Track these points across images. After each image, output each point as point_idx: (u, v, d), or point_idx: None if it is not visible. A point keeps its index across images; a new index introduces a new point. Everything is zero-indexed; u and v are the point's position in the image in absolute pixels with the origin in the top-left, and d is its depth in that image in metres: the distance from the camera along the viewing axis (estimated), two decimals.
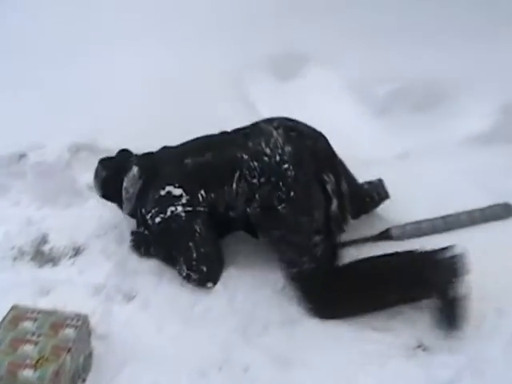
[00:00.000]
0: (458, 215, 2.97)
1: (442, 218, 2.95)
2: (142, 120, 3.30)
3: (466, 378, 2.28)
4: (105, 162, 2.92)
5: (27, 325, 2.23)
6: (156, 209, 2.68)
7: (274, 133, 2.68)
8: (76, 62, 3.69)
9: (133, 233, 2.88)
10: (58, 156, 3.21)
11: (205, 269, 2.64)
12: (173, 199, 2.65)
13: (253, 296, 2.62)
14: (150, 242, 2.82)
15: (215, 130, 2.84)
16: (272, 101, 3.22)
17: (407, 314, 2.51)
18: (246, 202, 2.61)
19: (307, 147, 2.68)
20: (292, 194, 2.55)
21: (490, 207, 3.02)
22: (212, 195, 2.64)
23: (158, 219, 2.67)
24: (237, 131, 2.81)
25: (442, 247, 2.51)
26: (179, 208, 2.63)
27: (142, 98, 3.49)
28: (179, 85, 3.62)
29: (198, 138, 2.83)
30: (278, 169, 2.58)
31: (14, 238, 2.87)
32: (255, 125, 2.79)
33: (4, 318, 2.24)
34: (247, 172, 2.61)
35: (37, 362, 2.09)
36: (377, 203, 3.00)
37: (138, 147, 2.96)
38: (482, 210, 3.00)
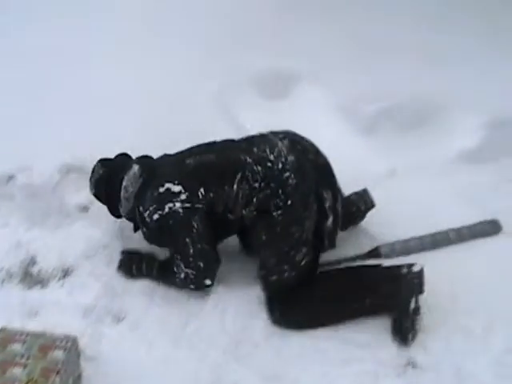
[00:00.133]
0: (446, 232, 2.98)
1: (431, 235, 2.97)
2: (131, 141, 3.29)
3: None
4: (104, 162, 2.92)
5: (16, 347, 2.22)
6: (154, 206, 2.66)
7: (279, 143, 2.72)
8: (65, 84, 3.70)
9: (123, 252, 2.87)
10: (47, 177, 3.20)
11: (202, 265, 2.63)
12: (171, 196, 2.64)
13: (242, 315, 2.62)
14: (141, 259, 2.81)
15: None
16: (261, 119, 3.23)
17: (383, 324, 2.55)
18: (244, 203, 2.63)
19: (310, 161, 2.72)
20: (289, 202, 2.58)
21: (478, 224, 3.04)
22: (211, 194, 2.63)
23: (155, 216, 2.65)
24: (242, 139, 2.84)
25: (407, 264, 2.60)
26: (177, 204, 2.62)
27: (130, 120, 3.50)
28: (169, 104, 3.63)
29: (200, 144, 2.84)
30: (279, 176, 2.62)
31: (3, 260, 2.85)
32: (261, 135, 2.83)
33: None
34: (250, 175, 2.63)
35: None
36: (364, 213, 3.03)
37: None
38: (470, 227, 3.02)
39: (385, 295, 2.56)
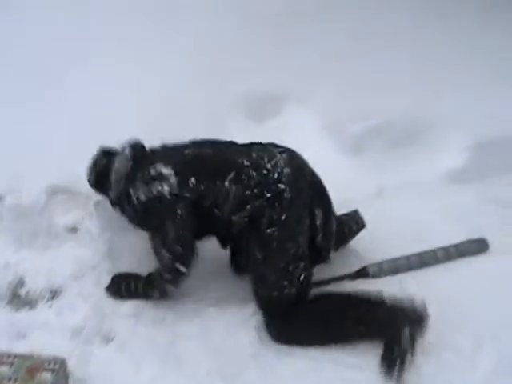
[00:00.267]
0: (434, 251, 3.00)
1: (419, 254, 2.98)
2: None
3: None
4: (106, 151, 2.93)
5: (3, 369, 2.21)
6: (143, 187, 2.66)
7: (278, 155, 2.73)
8: (52, 104, 3.70)
9: (113, 279, 2.85)
10: (35, 198, 3.20)
11: (180, 250, 2.62)
12: (161, 179, 2.63)
13: (231, 335, 2.62)
14: (129, 279, 2.80)
15: None
16: (249, 140, 3.25)
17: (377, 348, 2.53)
18: (235, 206, 2.61)
19: (305, 177, 2.73)
20: (284, 217, 2.58)
21: (465, 243, 3.05)
22: (202, 186, 2.62)
23: (143, 197, 2.66)
24: (243, 143, 2.85)
25: (408, 297, 2.57)
26: (166, 188, 2.61)
27: (118, 140, 3.51)
28: (158, 125, 3.64)
29: (204, 139, 2.84)
30: (274, 186, 2.62)
31: None
32: (262, 144, 2.83)
33: None
34: (245, 178, 2.62)
35: None
36: (355, 233, 3.05)
37: None
38: (457, 246, 3.03)
39: (381, 325, 2.53)
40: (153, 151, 2.84)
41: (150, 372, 2.45)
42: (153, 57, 4.15)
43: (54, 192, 3.26)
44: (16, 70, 4.12)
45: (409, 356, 2.44)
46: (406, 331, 2.45)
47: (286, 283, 2.59)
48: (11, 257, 2.97)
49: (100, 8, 4.66)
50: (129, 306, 2.74)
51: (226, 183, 2.61)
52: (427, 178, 3.48)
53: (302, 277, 2.60)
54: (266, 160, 2.69)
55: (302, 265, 2.61)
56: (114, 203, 2.88)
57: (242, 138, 2.87)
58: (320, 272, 2.81)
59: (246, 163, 2.66)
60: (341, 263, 2.93)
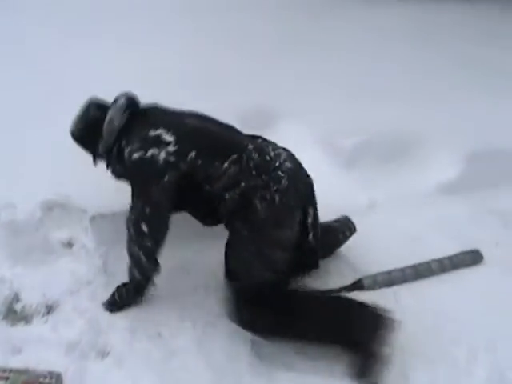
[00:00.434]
0: (428, 263, 3.01)
1: (413, 266, 3.00)
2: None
3: None
4: (99, 103, 2.86)
5: None
6: (138, 145, 2.62)
7: (281, 149, 2.76)
8: (48, 118, 3.70)
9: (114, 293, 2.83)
10: (30, 214, 3.20)
11: (156, 218, 2.63)
12: (160, 143, 2.60)
13: (227, 350, 2.62)
14: (122, 288, 2.80)
15: None
16: None
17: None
18: (229, 184, 2.60)
19: (303, 176, 2.76)
20: (277, 200, 2.57)
21: (459, 254, 3.07)
22: (200, 161, 2.59)
23: (135, 155, 2.61)
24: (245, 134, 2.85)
25: (374, 305, 2.56)
26: (162, 154, 2.58)
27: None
28: None
29: (208, 116, 2.83)
30: (273, 173, 2.62)
31: None
32: (267, 140, 2.84)
33: None
34: (245, 158, 2.62)
35: None
36: (348, 238, 3.08)
37: (113, 204, 2.98)
38: (451, 258, 3.05)
39: (350, 334, 2.54)
40: (153, 112, 2.80)
41: None
42: (149, 71, 4.17)
43: (49, 207, 3.26)
44: (13, 82, 4.15)
45: (379, 365, 2.45)
46: (376, 341, 2.46)
47: (257, 263, 2.58)
48: (7, 272, 2.96)
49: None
50: (124, 320, 2.74)
51: (226, 164, 2.60)
52: (420, 191, 3.51)
53: (278, 265, 2.59)
54: (270, 149, 2.72)
55: (281, 254, 2.60)
56: (100, 155, 2.83)
57: None
58: (315, 284, 2.83)
59: (250, 146, 2.68)
60: (336, 276, 2.95)
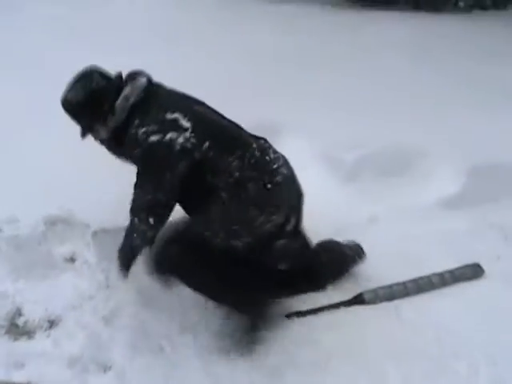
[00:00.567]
0: (429, 277, 3.01)
1: (414, 280, 2.99)
2: (117, 192, 3.32)
3: None
4: (103, 72, 2.75)
5: None
6: (156, 127, 2.57)
7: (280, 156, 2.78)
8: (51, 133, 3.73)
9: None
10: (33, 229, 3.22)
11: (162, 201, 2.62)
12: (178, 127, 2.57)
13: (228, 365, 2.62)
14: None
15: None
16: None
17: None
18: (226, 176, 2.62)
19: (296, 185, 2.79)
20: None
21: (460, 268, 3.07)
22: (212, 153, 2.60)
23: (154, 137, 2.56)
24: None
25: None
26: (180, 139, 2.55)
27: (116, 172, 3.54)
28: None
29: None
30: (269, 174, 2.67)
31: None
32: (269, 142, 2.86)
33: None
34: (248, 156, 2.65)
35: None
36: (357, 263, 3.06)
37: (116, 220, 3.00)
38: (452, 272, 3.05)
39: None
40: (163, 93, 2.76)
41: None
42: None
43: (52, 222, 3.28)
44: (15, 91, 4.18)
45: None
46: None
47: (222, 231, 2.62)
48: (9, 287, 2.97)
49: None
50: (126, 334, 2.75)
51: (230, 158, 2.62)
52: (421, 205, 3.52)
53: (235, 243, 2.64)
54: (270, 151, 2.75)
55: (244, 236, 2.65)
56: (90, 129, 2.76)
57: None
58: (316, 299, 2.83)
59: (254, 145, 2.70)
60: (337, 290, 2.95)
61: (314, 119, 4.02)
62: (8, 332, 2.78)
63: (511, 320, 2.78)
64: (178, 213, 2.79)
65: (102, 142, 2.82)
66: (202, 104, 2.80)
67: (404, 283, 2.97)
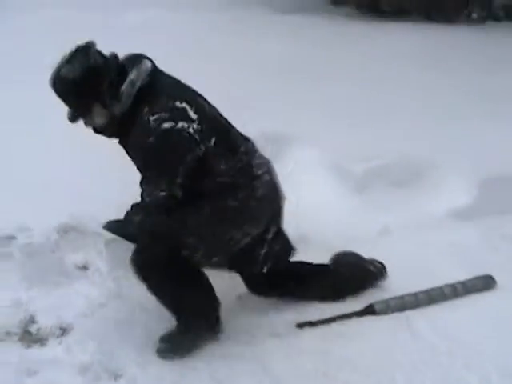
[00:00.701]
0: (441, 288, 3.00)
1: (425, 291, 2.98)
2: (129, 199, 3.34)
3: None
4: (100, 51, 2.52)
5: None
6: (168, 115, 2.44)
7: (265, 161, 2.75)
8: (62, 143, 3.76)
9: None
10: (46, 237, 3.25)
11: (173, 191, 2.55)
12: (187, 118, 2.47)
13: (236, 374, 2.62)
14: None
15: None
16: None
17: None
18: (212, 176, 2.58)
19: (277, 193, 2.77)
20: (252, 203, 2.62)
21: (472, 279, 3.05)
22: (215, 151, 2.54)
23: (166, 124, 2.42)
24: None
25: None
26: (190, 129, 2.45)
27: (127, 177, 3.55)
28: None
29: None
30: (253, 181, 2.64)
31: (2, 319, 2.86)
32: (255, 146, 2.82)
33: None
34: (236, 159, 2.61)
35: None
36: (379, 281, 3.05)
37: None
38: (464, 283, 3.03)
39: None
40: (166, 81, 2.63)
41: None
42: None
43: (64, 231, 3.31)
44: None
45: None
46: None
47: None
48: (23, 294, 3.00)
49: None
50: (137, 343, 2.76)
51: (229, 161, 2.58)
52: (432, 216, 3.52)
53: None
54: (256, 155, 2.71)
55: (222, 246, 2.66)
56: (84, 112, 2.54)
57: None
58: (327, 309, 2.83)
59: (241, 149, 2.65)
60: (348, 301, 2.95)
61: (324, 130, 4.03)
62: (21, 339, 2.79)
63: None
64: None
65: (99, 128, 2.62)
66: (201, 96, 2.70)
67: (415, 294, 2.96)
